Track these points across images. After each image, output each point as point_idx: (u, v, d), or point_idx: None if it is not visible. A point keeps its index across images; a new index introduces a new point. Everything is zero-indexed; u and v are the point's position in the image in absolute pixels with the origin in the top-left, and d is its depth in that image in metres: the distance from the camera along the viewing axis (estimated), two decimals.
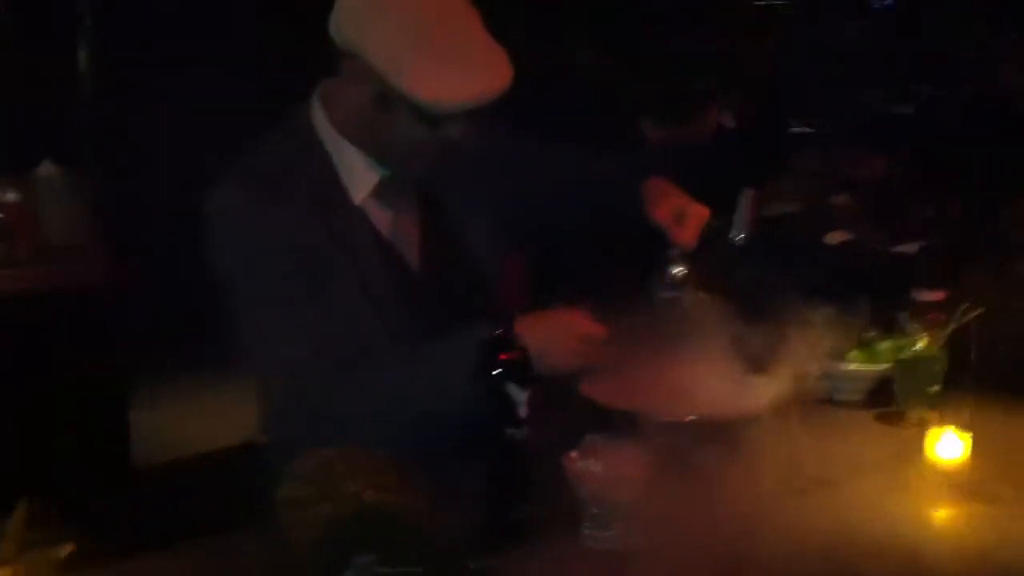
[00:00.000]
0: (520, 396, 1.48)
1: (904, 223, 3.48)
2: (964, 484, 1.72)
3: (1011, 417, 2.03)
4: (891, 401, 2.01)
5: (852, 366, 2.08)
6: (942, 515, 1.71)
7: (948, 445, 1.72)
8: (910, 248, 3.32)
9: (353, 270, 1.75)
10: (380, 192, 1.80)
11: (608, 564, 1.48)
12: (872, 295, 2.63)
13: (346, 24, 1.67)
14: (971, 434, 1.72)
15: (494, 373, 1.47)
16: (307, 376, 1.67)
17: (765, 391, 1.80)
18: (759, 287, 2.74)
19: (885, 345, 2.08)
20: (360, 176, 1.78)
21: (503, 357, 1.47)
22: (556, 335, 1.69)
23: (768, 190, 3.67)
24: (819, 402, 2.06)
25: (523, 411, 1.48)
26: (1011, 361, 2.22)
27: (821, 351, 2.09)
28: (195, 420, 3.25)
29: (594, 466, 1.52)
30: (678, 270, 1.89)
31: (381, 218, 1.82)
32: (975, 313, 1.99)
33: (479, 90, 1.66)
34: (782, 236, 3.50)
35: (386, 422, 1.65)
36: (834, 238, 3.44)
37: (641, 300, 1.88)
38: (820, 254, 3.41)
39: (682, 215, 1.88)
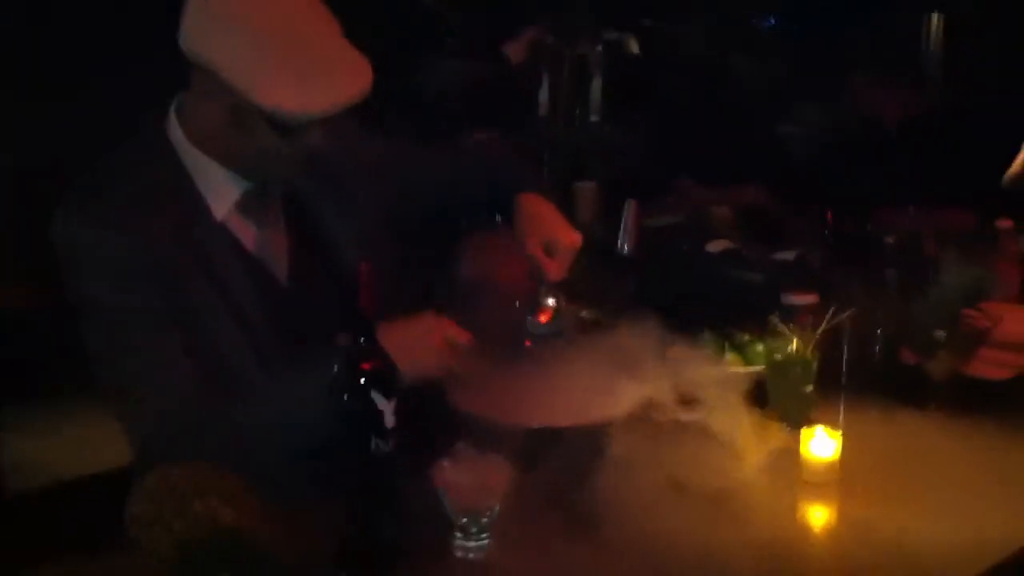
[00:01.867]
0: (386, 406, 1.41)
1: (780, 233, 3.51)
2: (835, 483, 1.70)
3: (882, 416, 2.03)
4: (765, 402, 1.99)
5: (727, 369, 2.05)
6: (814, 514, 1.69)
7: (820, 444, 1.70)
8: (787, 255, 3.35)
9: (217, 288, 1.66)
10: (243, 206, 1.72)
11: (479, 574, 1.43)
12: (749, 299, 2.64)
13: (194, 36, 1.58)
14: (841, 433, 1.71)
15: (357, 383, 1.40)
16: (169, 401, 1.59)
17: (636, 396, 1.76)
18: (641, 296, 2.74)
19: (758, 348, 2.06)
20: (221, 191, 1.70)
21: (365, 366, 1.41)
22: (417, 341, 1.63)
23: (649, 202, 3.67)
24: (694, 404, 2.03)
25: (389, 421, 1.41)
26: (881, 362, 2.23)
27: (695, 356, 2.08)
28: (66, 446, 3.10)
29: (463, 475, 1.46)
30: (550, 302, 1.85)
31: (245, 233, 1.74)
32: (845, 315, 1.98)
33: (333, 98, 1.59)
34: (665, 245, 3.51)
35: (249, 440, 1.57)
36: (716, 246, 3.45)
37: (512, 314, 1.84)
38: (702, 262, 3.42)
39: (552, 246, 1.84)
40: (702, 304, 2.98)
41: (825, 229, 3.13)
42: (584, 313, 1.87)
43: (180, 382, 1.60)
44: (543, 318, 1.80)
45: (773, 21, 5.52)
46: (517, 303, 1.81)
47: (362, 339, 1.41)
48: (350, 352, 1.42)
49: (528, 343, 1.82)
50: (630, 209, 3.49)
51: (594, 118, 3.93)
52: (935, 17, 4.92)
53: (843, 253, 2.99)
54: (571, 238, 1.83)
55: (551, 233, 1.83)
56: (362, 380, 1.40)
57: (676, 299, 3.03)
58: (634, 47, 4.61)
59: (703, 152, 4.18)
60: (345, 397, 1.40)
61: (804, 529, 1.66)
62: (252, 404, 1.61)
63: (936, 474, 1.78)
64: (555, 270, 1.80)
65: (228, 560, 1.22)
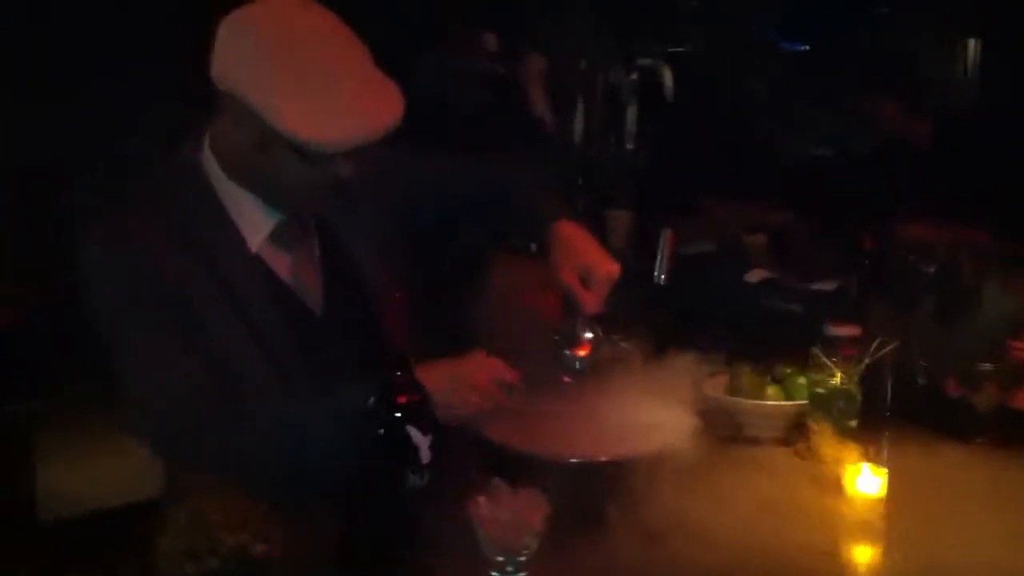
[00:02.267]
0: (422, 441, 1.38)
1: (818, 262, 3.46)
2: (880, 520, 1.65)
3: (926, 450, 1.97)
4: (807, 436, 1.95)
5: (769, 402, 2.01)
6: (859, 552, 1.64)
7: (865, 481, 1.66)
8: (828, 286, 3.30)
9: (252, 319, 1.64)
10: (277, 236, 1.71)
11: None
12: (789, 331, 2.59)
13: (224, 65, 1.57)
14: (887, 470, 1.66)
15: (393, 417, 1.37)
16: (204, 431, 1.57)
17: (677, 431, 1.73)
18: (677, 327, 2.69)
19: (801, 381, 2.02)
20: (255, 222, 1.68)
21: (401, 400, 1.38)
22: (464, 380, 1.60)
23: (683, 230, 3.64)
24: (737, 439, 2.00)
25: (425, 456, 1.38)
26: (924, 394, 2.18)
27: (733, 390, 2.05)
28: (102, 475, 3.09)
29: (500, 512, 1.42)
30: (587, 335, 1.80)
31: (279, 263, 1.72)
32: (889, 347, 1.94)
33: (362, 130, 1.57)
34: (701, 275, 3.47)
35: (282, 474, 1.55)
36: (754, 276, 3.41)
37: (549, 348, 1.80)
38: (740, 293, 3.38)
39: (589, 276, 1.78)
40: (741, 336, 2.93)
41: (864, 257, 3.08)
42: (623, 345, 1.82)
43: (211, 415, 1.58)
44: (581, 352, 1.76)
45: (805, 47, 5.49)
46: (555, 337, 1.77)
47: (399, 370, 1.39)
48: (386, 384, 1.39)
49: (566, 379, 1.77)
50: (666, 238, 3.45)
51: (629, 146, 3.89)
52: (972, 43, 4.88)
53: (883, 282, 2.94)
54: (609, 268, 1.78)
55: (588, 262, 1.78)
56: (398, 414, 1.37)
57: (714, 330, 2.99)
58: (668, 76, 4.59)
59: (735, 177, 4.15)
60: (380, 431, 1.37)
61: (850, 568, 1.60)
62: (287, 436, 1.58)
63: (983, 508, 1.73)
64: (592, 302, 1.76)
65: None
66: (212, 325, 1.61)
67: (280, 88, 1.55)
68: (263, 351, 1.64)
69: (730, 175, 4.15)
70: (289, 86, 1.55)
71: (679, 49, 4.65)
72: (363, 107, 1.57)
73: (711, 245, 3.71)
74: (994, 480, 1.86)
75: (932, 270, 2.86)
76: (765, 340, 2.56)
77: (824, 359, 1.91)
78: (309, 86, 1.55)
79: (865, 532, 1.64)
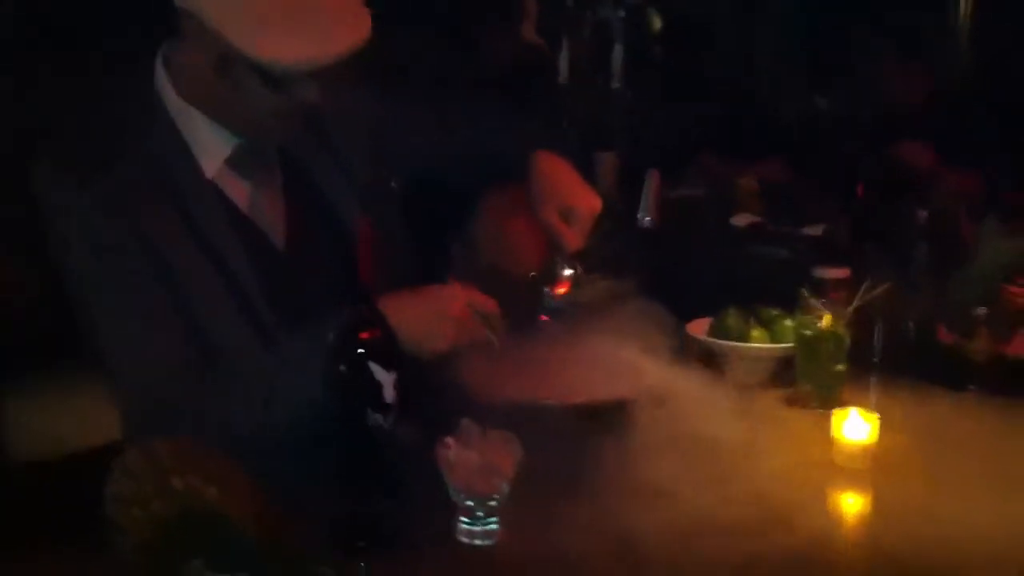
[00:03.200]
0: (385, 378, 1.29)
1: (807, 207, 3.40)
2: (869, 468, 1.58)
3: (916, 397, 1.90)
4: (793, 381, 1.87)
5: (754, 344, 1.93)
6: (846, 500, 1.57)
7: (854, 427, 1.58)
8: (815, 231, 3.23)
9: (205, 250, 1.55)
10: (235, 162, 1.60)
11: (485, 562, 1.32)
12: (775, 275, 2.51)
13: None
14: (878, 416, 1.59)
15: (355, 353, 1.29)
16: (157, 369, 1.49)
17: (657, 374, 1.65)
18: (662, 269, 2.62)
19: (787, 323, 1.94)
20: (210, 146, 1.57)
21: (364, 335, 1.29)
22: (437, 311, 1.51)
23: (671, 173, 3.56)
24: (721, 383, 1.92)
25: (389, 395, 1.30)
26: (915, 341, 2.11)
27: (717, 332, 1.97)
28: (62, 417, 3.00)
29: (470, 454, 1.35)
30: (567, 272, 1.71)
31: (238, 191, 1.61)
32: (879, 290, 1.86)
33: (325, 49, 1.46)
34: (687, 218, 3.39)
35: (237, 413, 1.46)
36: (741, 219, 3.34)
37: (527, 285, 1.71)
38: (726, 235, 3.31)
39: (570, 211, 1.70)
40: (726, 278, 2.86)
41: (855, 203, 3.00)
42: (604, 283, 1.74)
43: (165, 348, 1.49)
44: (560, 290, 1.67)
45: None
46: (532, 274, 1.68)
47: (361, 305, 1.30)
48: (347, 319, 1.30)
49: (544, 317, 1.69)
50: (651, 180, 3.38)
51: (615, 85, 3.79)
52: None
53: (873, 228, 2.86)
54: (590, 203, 1.69)
55: (569, 197, 1.69)
56: (360, 350, 1.29)
57: (699, 273, 2.92)
58: (656, 21, 4.49)
59: (726, 123, 4.06)
60: (341, 368, 1.29)
61: (836, 516, 1.53)
62: (241, 374, 1.50)
63: (975, 459, 1.65)
64: (573, 238, 1.67)
65: (209, 541, 1.11)
66: (168, 254, 1.52)
67: (243, 6, 1.44)
68: (222, 284, 1.55)
69: (720, 125, 4.07)
70: (252, 4, 1.45)
71: None
72: (327, 26, 1.47)
73: (699, 189, 3.63)
74: (986, 429, 1.79)
75: (925, 215, 2.78)
76: (751, 284, 2.48)
77: (812, 300, 1.83)
78: (273, 3, 1.45)
79: (853, 480, 1.57)
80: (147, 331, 1.50)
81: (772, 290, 2.10)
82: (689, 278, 2.70)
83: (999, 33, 4.44)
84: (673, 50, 4.23)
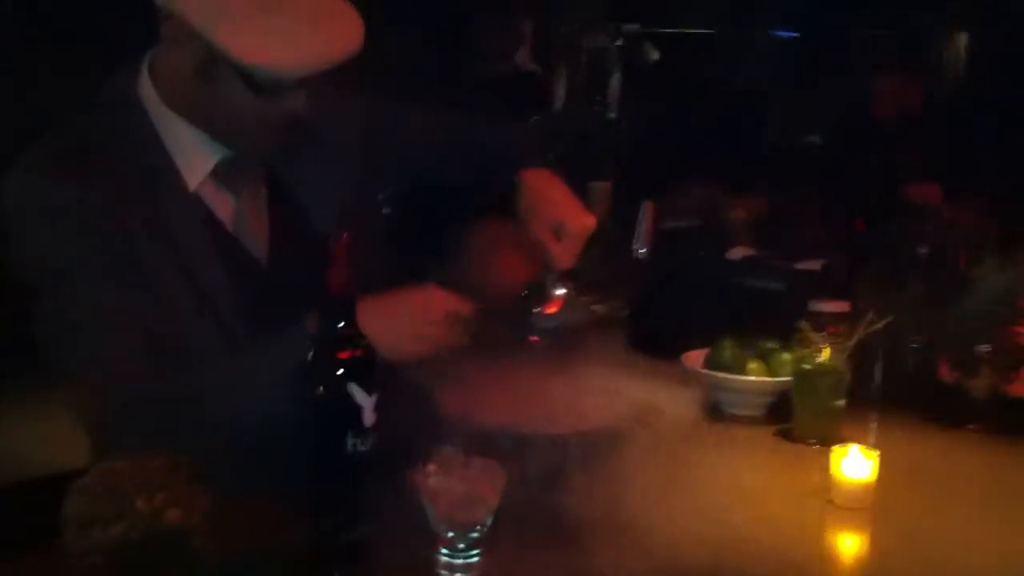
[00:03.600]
0: (366, 401, 1.23)
1: (803, 241, 3.34)
2: (869, 507, 1.51)
3: (915, 435, 1.84)
4: (790, 416, 1.81)
5: (751, 377, 1.87)
6: (844, 541, 1.50)
7: (854, 465, 1.51)
8: (813, 265, 3.17)
9: (185, 264, 1.48)
10: (220, 175, 1.54)
11: None
12: (770, 311, 2.45)
13: None
14: (878, 453, 1.52)
15: (334, 373, 1.22)
16: (123, 384, 1.42)
17: (650, 405, 1.59)
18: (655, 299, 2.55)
19: (785, 356, 1.87)
20: (194, 157, 1.52)
21: (343, 355, 1.23)
22: (414, 314, 1.45)
23: (666, 203, 3.50)
24: (715, 417, 1.85)
25: (368, 419, 1.23)
26: (915, 377, 2.05)
27: (713, 364, 1.91)
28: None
29: (452, 483, 1.28)
30: (558, 292, 1.65)
31: (221, 205, 1.56)
32: (882, 323, 1.80)
33: (314, 56, 1.41)
34: (682, 250, 3.33)
35: (208, 433, 1.39)
36: (736, 253, 3.28)
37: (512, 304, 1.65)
38: (721, 269, 3.24)
39: (562, 228, 1.63)
40: (720, 311, 2.80)
41: (854, 237, 2.95)
42: (596, 307, 1.67)
43: (137, 364, 1.43)
44: (551, 309, 1.61)
45: (793, 33, 5.36)
46: (524, 293, 1.62)
47: (341, 324, 1.24)
48: (326, 338, 1.24)
49: (533, 338, 1.63)
50: (646, 210, 3.32)
51: (611, 115, 3.75)
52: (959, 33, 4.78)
53: (873, 263, 2.80)
54: (583, 221, 1.63)
55: (561, 214, 1.62)
56: (339, 371, 1.22)
57: (693, 305, 2.85)
58: (653, 53, 4.45)
59: (720, 155, 4.02)
60: (319, 389, 1.22)
61: (834, 558, 1.46)
62: (214, 392, 1.43)
63: (976, 498, 1.60)
64: (565, 256, 1.61)
65: (170, 565, 1.04)
66: (144, 272, 1.45)
67: (226, 8, 1.39)
68: (201, 302, 1.49)
69: (715, 156, 4.02)
70: (236, 6, 1.39)
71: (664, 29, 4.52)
72: (318, 32, 1.41)
73: (693, 221, 3.57)
74: (988, 467, 1.74)
75: (924, 251, 2.73)
76: (746, 317, 2.41)
77: (812, 334, 1.77)
78: (258, 6, 1.39)
79: (852, 519, 1.50)
80: (114, 341, 1.43)
81: (767, 323, 2.04)
82: (683, 309, 2.63)
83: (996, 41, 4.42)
84: (669, 81, 4.20)
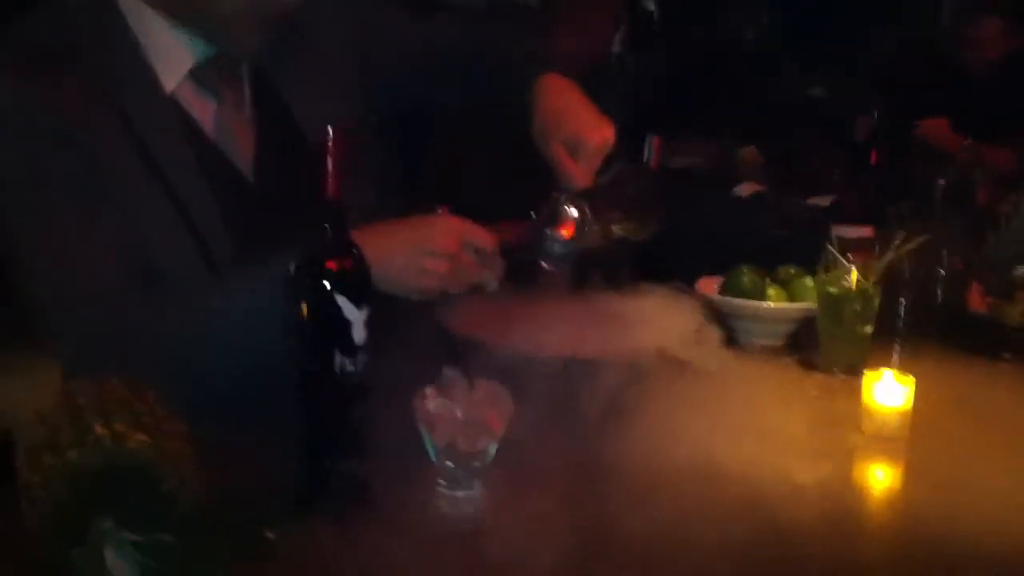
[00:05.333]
0: (355, 316, 1.09)
1: (815, 176, 3.21)
2: (903, 437, 1.38)
3: (945, 367, 1.70)
4: (813, 345, 1.67)
5: (772, 304, 1.73)
6: (877, 475, 1.37)
7: (888, 392, 1.38)
8: (824, 201, 3.04)
9: (161, 174, 1.34)
10: (199, 77, 1.40)
11: (466, 530, 1.11)
12: (782, 249, 2.30)
13: None
14: (914, 379, 1.39)
15: (320, 284, 1.08)
16: (97, 305, 1.28)
17: (666, 333, 1.44)
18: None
19: (807, 282, 1.73)
20: (171, 56, 1.37)
21: (331, 265, 1.09)
22: (428, 246, 1.30)
23: (671, 142, 3.36)
24: (732, 347, 1.72)
25: (359, 336, 1.09)
26: (944, 306, 1.91)
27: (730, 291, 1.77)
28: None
29: (452, 408, 1.14)
30: (572, 214, 1.49)
31: (201, 110, 1.41)
32: (916, 242, 1.66)
33: None
34: (688, 187, 3.20)
35: (187, 354, 1.26)
36: (744, 189, 3.14)
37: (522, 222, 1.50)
38: (730, 206, 3.12)
39: (578, 144, 1.46)
40: (730, 248, 2.67)
41: (870, 170, 2.81)
42: (615, 227, 1.51)
43: (111, 282, 1.29)
44: (564, 232, 1.45)
45: None
46: (535, 215, 1.46)
47: (328, 229, 1.09)
48: (311, 246, 1.10)
49: (546, 265, 1.47)
50: (651, 147, 3.17)
51: (616, 49, 3.59)
52: None
53: (888, 197, 2.66)
54: (602, 134, 1.45)
55: (576, 129, 1.45)
56: (326, 282, 1.08)
57: (702, 241, 2.72)
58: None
59: (730, 100, 3.88)
60: (304, 302, 1.08)
61: (869, 491, 1.33)
62: (192, 311, 1.29)
63: (1014, 429, 1.47)
64: (580, 174, 1.44)
65: (129, 497, 0.90)
66: (117, 183, 1.31)
67: None
68: (179, 216, 1.35)
69: (722, 96, 3.88)
70: None
71: None
72: None
73: (698, 158, 3.44)
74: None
75: (944, 182, 2.59)
76: (757, 254, 2.26)
77: (839, 256, 1.63)
78: None
79: (886, 450, 1.37)
80: (85, 252, 1.30)
81: (779, 258, 1.90)
82: (693, 242, 2.50)
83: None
84: (677, 20, 4.05)
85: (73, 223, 1.30)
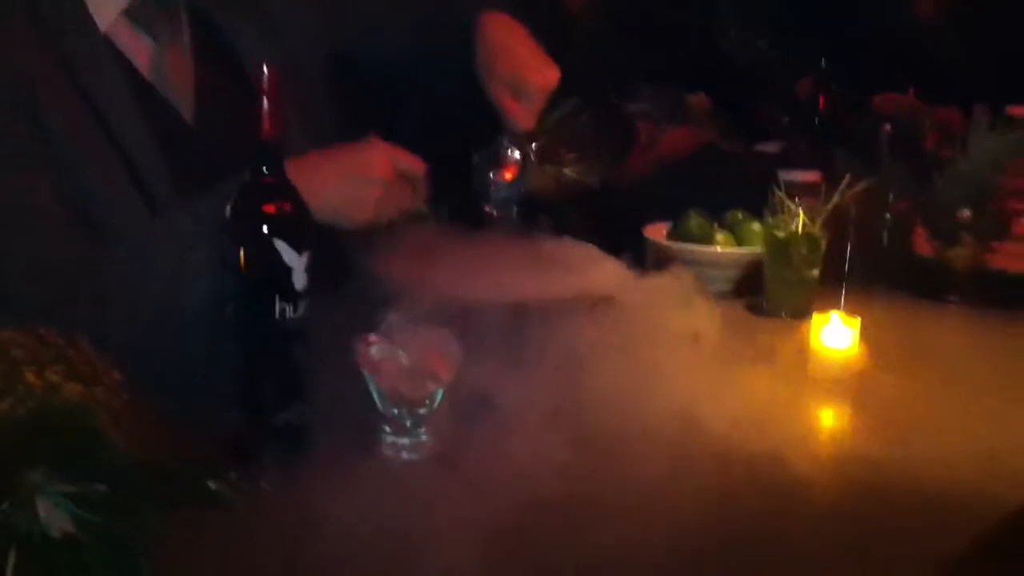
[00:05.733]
0: (296, 261, 1.06)
1: (761, 123, 3.19)
2: (850, 378, 1.38)
3: (892, 309, 1.72)
4: (759, 289, 1.67)
5: (719, 248, 1.72)
6: (825, 415, 1.37)
7: (835, 334, 1.38)
8: (771, 148, 3.03)
9: (94, 117, 1.29)
10: (135, 15, 1.34)
11: (411, 478, 1.10)
12: (731, 196, 2.29)
13: None
14: (860, 321, 1.39)
15: (258, 229, 1.05)
16: (33, 258, 1.24)
17: (610, 276, 1.43)
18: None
19: (755, 227, 1.73)
20: None
21: (269, 209, 1.06)
22: (358, 173, 1.27)
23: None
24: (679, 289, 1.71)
25: (299, 281, 1.07)
26: (890, 250, 1.92)
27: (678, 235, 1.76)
28: None
29: (396, 354, 1.12)
30: (515, 156, 1.46)
31: (137, 49, 1.36)
32: (860, 186, 1.66)
33: None
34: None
35: (123, 303, 1.22)
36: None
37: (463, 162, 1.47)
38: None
39: (521, 84, 1.44)
40: (680, 192, 2.66)
41: (817, 115, 2.80)
42: (567, 170, 1.49)
43: (47, 234, 1.24)
44: (507, 175, 1.43)
45: None
46: (476, 158, 1.44)
47: (265, 171, 1.06)
48: (248, 189, 1.07)
49: (489, 209, 1.45)
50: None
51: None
52: None
53: (835, 143, 2.66)
54: (545, 76, 1.44)
55: (521, 68, 1.43)
56: (264, 226, 1.05)
57: (653, 186, 2.70)
58: None
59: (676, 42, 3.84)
60: (241, 248, 1.05)
61: (817, 434, 1.33)
62: (126, 259, 1.25)
63: (961, 370, 1.48)
64: (523, 116, 1.42)
65: (71, 448, 0.87)
66: (49, 123, 1.26)
67: None
68: (114, 161, 1.30)
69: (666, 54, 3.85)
70: None
71: None
72: None
73: (645, 107, 3.40)
74: (970, 341, 1.62)
75: (889, 129, 2.58)
76: (706, 200, 2.25)
77: (786, 200, 1.62)
78: None
79: (833, 392, 1.37)
80: (22, 210, 1.25)
81: (729, 204, 1.89)
82: (642, 189, 2.48)
83: None
84: None
85: (9, 177, 1.25)
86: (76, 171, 1.27)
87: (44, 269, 1.23)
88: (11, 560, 0.82)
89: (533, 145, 1.43)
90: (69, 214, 1.26)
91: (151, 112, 1.34)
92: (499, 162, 1.42)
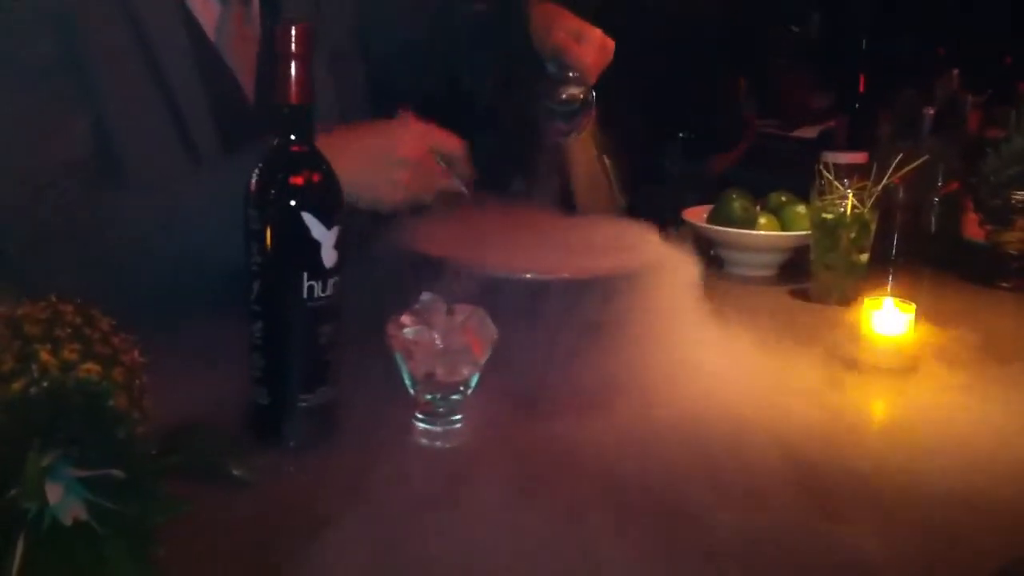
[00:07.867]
0: (324, 236, 1.00)
1: (801, 109, 3.13)
2: (906, 365, 1.30)
3: (944, 294, 1.64)
4: (805, 273, 1.60)
5: (762, 232, 1.65)
6: (878, 402, 1.29)
7: (888, 320, 1.30)
8: (810, 133, 2.96)
9: (157, 72, 1.26)
10: None
11: (446, 467, 1.03)
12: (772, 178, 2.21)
13: None
14: (915, 306, 1.31)
15: (286, 201, 0.99)
16: (64, 208, 1.21)
17: (655, 254, 1.35)
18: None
19: (800, 210, 1.65)
20: None
21: (296, 181, 0.99)
22: (392, 152, 1.21)
23: None
24: (722, 277, 1.64)
25: (329, 258, 1.00)
26: (938, 234, 1.84)
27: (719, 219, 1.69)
28: None
29: (431, 336, 1.06)
30: (572, 92, 1.41)
31: (205, 10, 1.33)
32: (916, 164, 1.57)
33: None
34: None
35: (152, 273, 1.17)
36: None
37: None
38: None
39: (582, 35, 1.41)
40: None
41: (859, 99, 2.72)
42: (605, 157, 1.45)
43: (79, 180, 1.22)
44: (574, 91, 1.41)
45: None
46: (540, 92, 1.41)
47: (295, 141, 1.00)
48: (276, 160, 1.00)
49: (555, 135, 1.42)
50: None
51: None
52: None
53: (880, 124, 2.57)
54: (605, 36, 1.42)
55: (577, 25, 1.41)
56: (292, 200, 0.99)
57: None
58: None
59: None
60: (268, 221, 0.99)
61: (871, 424, 1.24)
62: (158, 200, 1.21)
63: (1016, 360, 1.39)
64: (588, 56, 1.39)
65: (88, 429, 0.82)
66: (111, 76, 1.25)
67: None
68: (168, 117, 1.27)
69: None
70: None
71: None
72: None
73: None
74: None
75: (932, 112, 2.49)
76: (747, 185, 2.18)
77: (834, 180, 1.55)
78: None
79: (885, 381, 1.30)
80: (62, 143, 1.23)
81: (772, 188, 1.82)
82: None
83: None
84: None
85: (50, 110, 1.22)
86: (124, 114, 1.25)
87: (69, 216, 1.20)
88: (19, 548, 0.76)
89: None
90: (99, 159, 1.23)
91: (207, 71, 1.31)
92: (563, 82, 1.39)
